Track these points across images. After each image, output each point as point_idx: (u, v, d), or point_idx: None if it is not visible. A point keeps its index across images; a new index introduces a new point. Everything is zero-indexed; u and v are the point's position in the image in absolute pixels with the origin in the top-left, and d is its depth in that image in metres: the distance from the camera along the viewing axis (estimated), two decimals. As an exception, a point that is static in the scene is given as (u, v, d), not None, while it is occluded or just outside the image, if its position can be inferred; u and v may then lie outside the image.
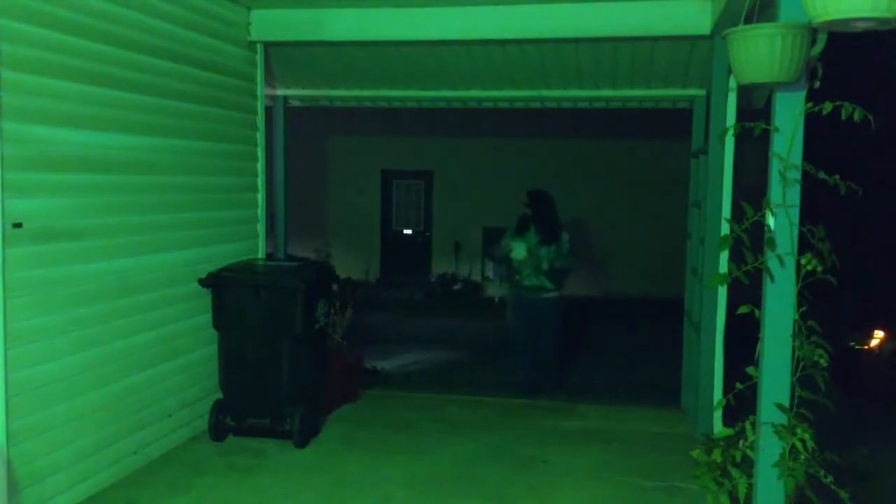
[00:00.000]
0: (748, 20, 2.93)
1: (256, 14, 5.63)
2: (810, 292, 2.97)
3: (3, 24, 3.45)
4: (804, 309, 2.97)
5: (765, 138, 3.06)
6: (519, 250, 6.82)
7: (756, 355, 3.10)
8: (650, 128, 12.24)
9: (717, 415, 4.78)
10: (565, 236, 6.81)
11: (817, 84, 2.92)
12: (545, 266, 6.77)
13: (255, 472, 4.61)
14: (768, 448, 2.99)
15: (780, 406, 2.96)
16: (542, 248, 6.78)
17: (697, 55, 5.82)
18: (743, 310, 3.12)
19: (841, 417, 3.49)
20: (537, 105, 7.67)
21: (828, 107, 2.86)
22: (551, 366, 7.08)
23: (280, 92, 7.26)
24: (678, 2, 5.13)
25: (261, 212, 5.91)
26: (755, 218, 2.97)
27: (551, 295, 6.85)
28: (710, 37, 5.14)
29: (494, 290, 13.09)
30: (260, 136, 5.87)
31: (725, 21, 4.15)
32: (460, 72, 6.63)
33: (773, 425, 2.96)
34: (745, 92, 5.12)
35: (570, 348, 9.25)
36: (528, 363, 6.93)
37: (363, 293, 12.46)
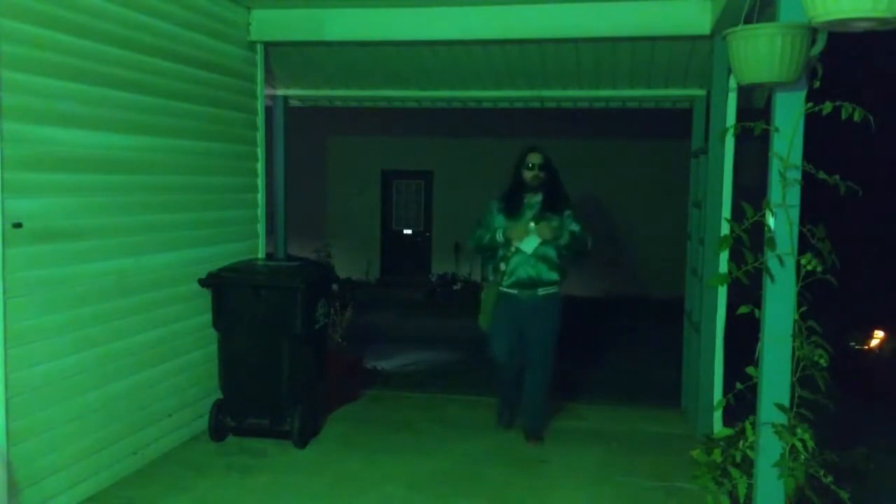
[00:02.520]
0: (748, 20, 2.93)
1: (256, 14, 5.63)
2: (810, 292, 2.97)
3: (3, 24, 3.45)
4: (804, 309, 2.97)
5: (765, 138, 3.06)
6: (528, 243, 4.93)
7: (756, 355, 3.10)
8: (650, 128, 12.24)
9: (717, 415, 4.78)
10: (570, 208, 5.08)
11: (817, 84, 2.92)
12: (550, 248, 4.95)
13: (255, 472, 4.61)
14: (768, 448, 2.99)
15: (780, 406, 2.97)
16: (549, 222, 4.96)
17: (697, 55, 5.82)
18: (743, 310, 3.12)
19: (841, 417, 3.49)
20: (537, 105, 7.68)
21: (828, 107, 2.86)
22: (536, 403, 5.22)
23: (280, 92, 7.26)
24: (678, 2, 5.14)
25: (261, 212, 5.91)
26: (755, 218, 2.97)
27: (550, 291, 5.02)
28: (710, 37, 5.15)
29: None
30: (260, 136, 5.87)
31: (725, 21, 4.15)
32: (460, 72, 6.63)
33: (773, 425, 2.97)
34: (745, 92, 5.12)
35: (569, 349, 9.26)
36: (512, 392, 5.31)
37: (363, 293, 12.47)
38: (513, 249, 4.95)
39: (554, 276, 4.99)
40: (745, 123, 3.10)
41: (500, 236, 4.96)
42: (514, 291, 5.02)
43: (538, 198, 5.03)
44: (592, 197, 13.63)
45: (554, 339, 5.11)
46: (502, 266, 5.01)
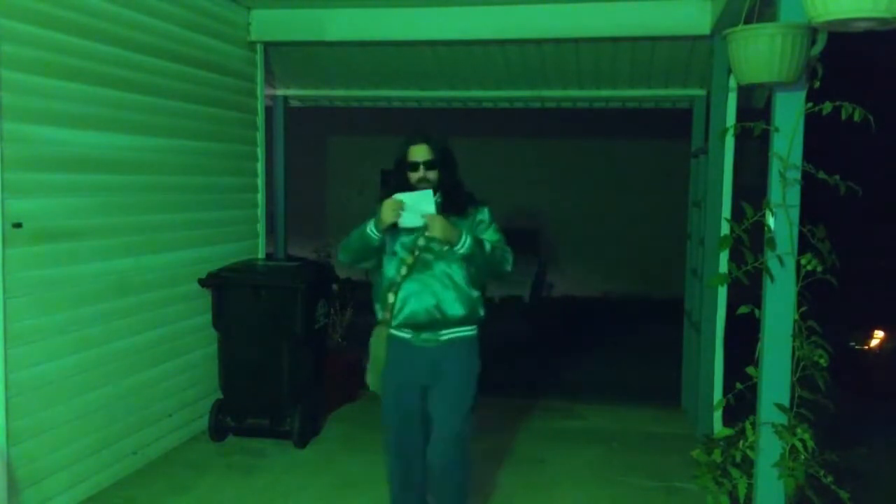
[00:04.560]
0: (748, 20, 2.92)
1: (256, 14, 5.63)
2: (810, 292, 2.97)
3: (3, 24, 3.45)
4: (804, 309, 2.97)
5: (765, 138, 3.06)
6: (409, 217, 3.28)
7: (756, 355, 3.10)
8: (650, 128, 12.23)
9: (717, 415, 4.77)
10: (484, 208, 3.48)
11: (817, 84, 2.92)
12: (457, 266, 3.37)
13: (255, 472, 4.61)
14: (768, 448, 2.99)
15: (780, 406, 2.97)
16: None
17: (697, 55, 5.83)
18: (743, 310, 3.12)
19: (841, 417, 3.49)
20: (537, 105, 7.68)
21: (828, 107, 2.86)
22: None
23: (280, 92, 7.26)
24: (678, 2, 5.14)
25: (261, 212, 5.92)
26: (755, 218, 2.97)
27: (460, 334, 3.44)
28: (710, 37, 5.15)
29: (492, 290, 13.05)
30: (260, 136, 5.87)
31: (725, 21, 4.15)
32: (460, 72, 6.63)
33: (773, 425, 2.97)
34: (745, 92, 5.12)
35: (569, 349, 9.26)
36: (412, 491, 3.64)
37: (363, 293, 12.46)
38: (403, 272, 3.37)
39: (462, 310, 3.38)
40: (745, 123, 3.10)
41: (370, 228, 3.37)
42: (406, 335, 3.43)
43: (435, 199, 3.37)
44: (590, 196, 13.64)
45: (466, 407, 3.45)
46: (390, 297, 3.40)
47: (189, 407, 5.08)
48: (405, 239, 3.39)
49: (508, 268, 3.46)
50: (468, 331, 3.47)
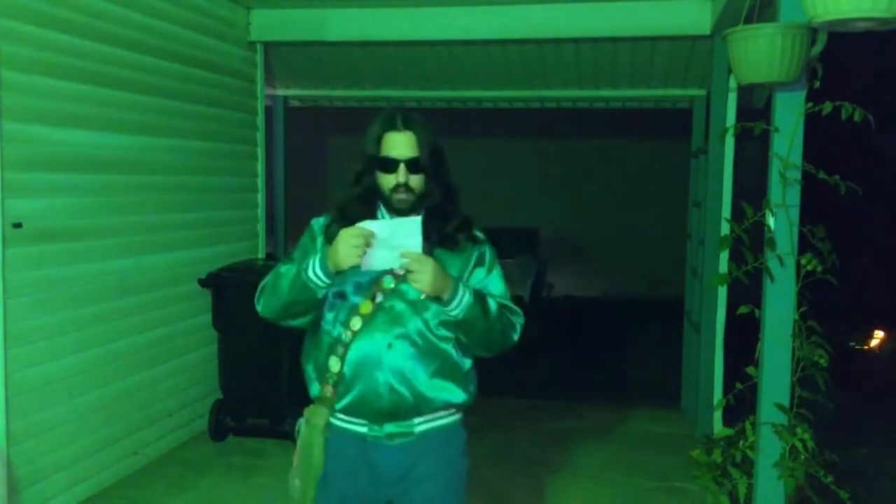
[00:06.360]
0: (748, 20, 2.92)
1: (256, 14, 5.63)
2: (810, 292, 2.97)
3: (3, 24, 3.45)
4: (804, 309, 2.97)
5: (765, 138, 3.06)
6: (379, 257, 2.04)
7: (756, 355, 3.10)
8: (650, 128, 12.23)
9: (717, 415, 4.78)
10: (484, 246, 2.30)
11: (817, 84, 2.92)
12: (436, 320, 2.16)
13: (255, 472, 4.61)
14: (768, 448, 2.99)
15: (780, 406, 2.96)
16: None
17: (697, 55, 5.83)
18: (743, 310, 3.12)
19: (841, 417, 3.49)
20: (537, 105, 7.70)
21: (828, 107, 2.86)
22: None
23: (280, 92, 7.27)
24: (678, 2, 5.14)
25: (261, 212, 5.92)
26: (755, 218, 2.97)
27: (441, 422, 2.32)
28: (710, 37, 5.15)
29: None
30: (260, 136, 5.87)
31: (725, 21, 4.15)
32: (460, 72, 6.64)
33: (773, 425, 2.96)
34: (745, 92, 5.12)
35: (569, 349, 9.26)
36: None
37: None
38: (356, 326, 2.16)
39: (450, 387, 2.25)
40: (745, 123, 3.10)
41: (315, 271, 2.10)
42: (359, 427, 2.25)
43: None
44: (591, 196, 13.64)
45: None
46: (332, 364, 2.19)
47: (189, 407, 5.08)
48: (361, 277, 2.16)
49: (515, 338, 2.30)
50: (451, 416, 2.35)
